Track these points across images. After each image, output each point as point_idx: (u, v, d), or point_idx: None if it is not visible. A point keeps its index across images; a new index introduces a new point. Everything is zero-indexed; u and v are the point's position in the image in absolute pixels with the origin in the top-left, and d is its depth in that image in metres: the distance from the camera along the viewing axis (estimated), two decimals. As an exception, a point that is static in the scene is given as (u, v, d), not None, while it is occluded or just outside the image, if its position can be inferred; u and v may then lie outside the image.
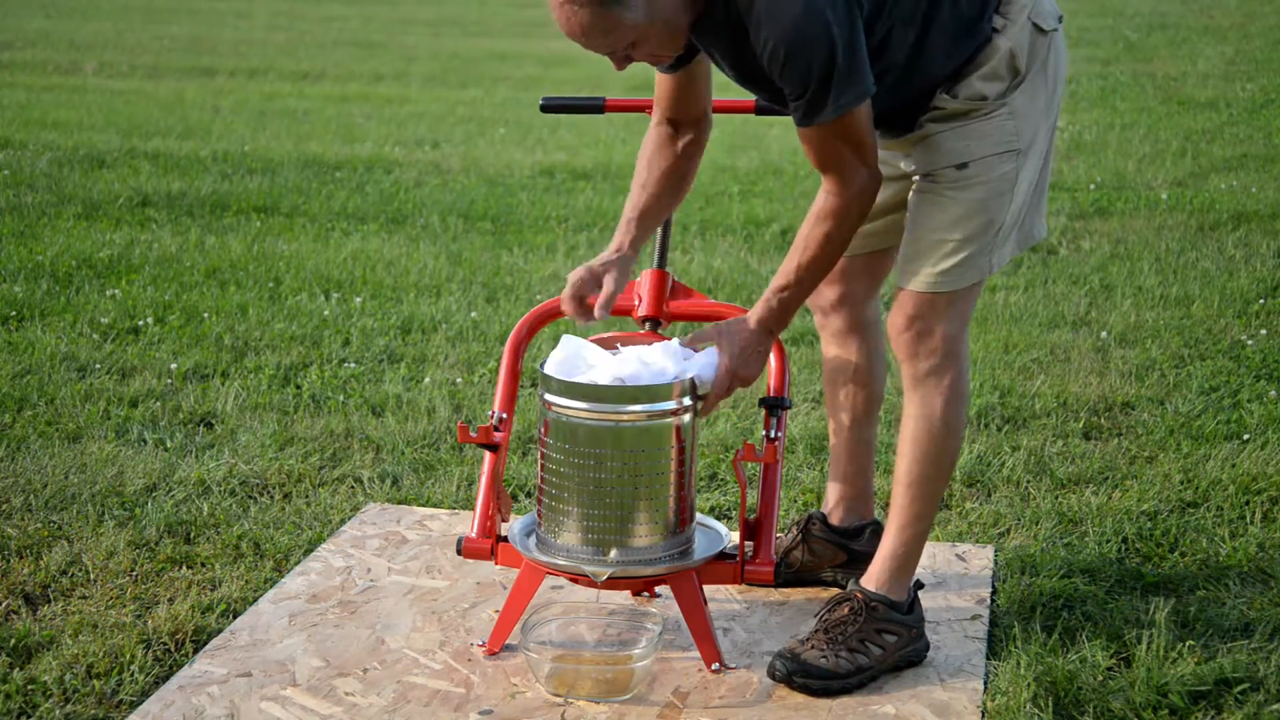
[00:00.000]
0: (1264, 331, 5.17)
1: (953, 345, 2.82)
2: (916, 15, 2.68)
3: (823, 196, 2.72)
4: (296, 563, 3.38)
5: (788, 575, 3.20)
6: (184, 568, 3.35)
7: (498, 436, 2.97)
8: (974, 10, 2.72)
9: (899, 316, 2.84)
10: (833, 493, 3.21)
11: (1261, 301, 5.60)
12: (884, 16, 2.65)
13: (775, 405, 3.01)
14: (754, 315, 2.83)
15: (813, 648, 2.82)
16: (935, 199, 2.78)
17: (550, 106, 3.24)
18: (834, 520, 3.20)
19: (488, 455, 3.02)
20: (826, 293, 3.08)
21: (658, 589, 3.13)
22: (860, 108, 2.61)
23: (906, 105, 2.78)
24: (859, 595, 2.88)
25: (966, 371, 2.86)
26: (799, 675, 2.78)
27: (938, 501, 2.91)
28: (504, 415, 3.05)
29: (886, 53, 2.68)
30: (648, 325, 3.07)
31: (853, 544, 3.19)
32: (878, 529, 3.17)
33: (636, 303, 3.10)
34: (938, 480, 2.88)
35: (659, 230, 3.13)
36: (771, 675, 2.81)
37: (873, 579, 2.90)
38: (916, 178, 2.83)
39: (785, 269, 2.78)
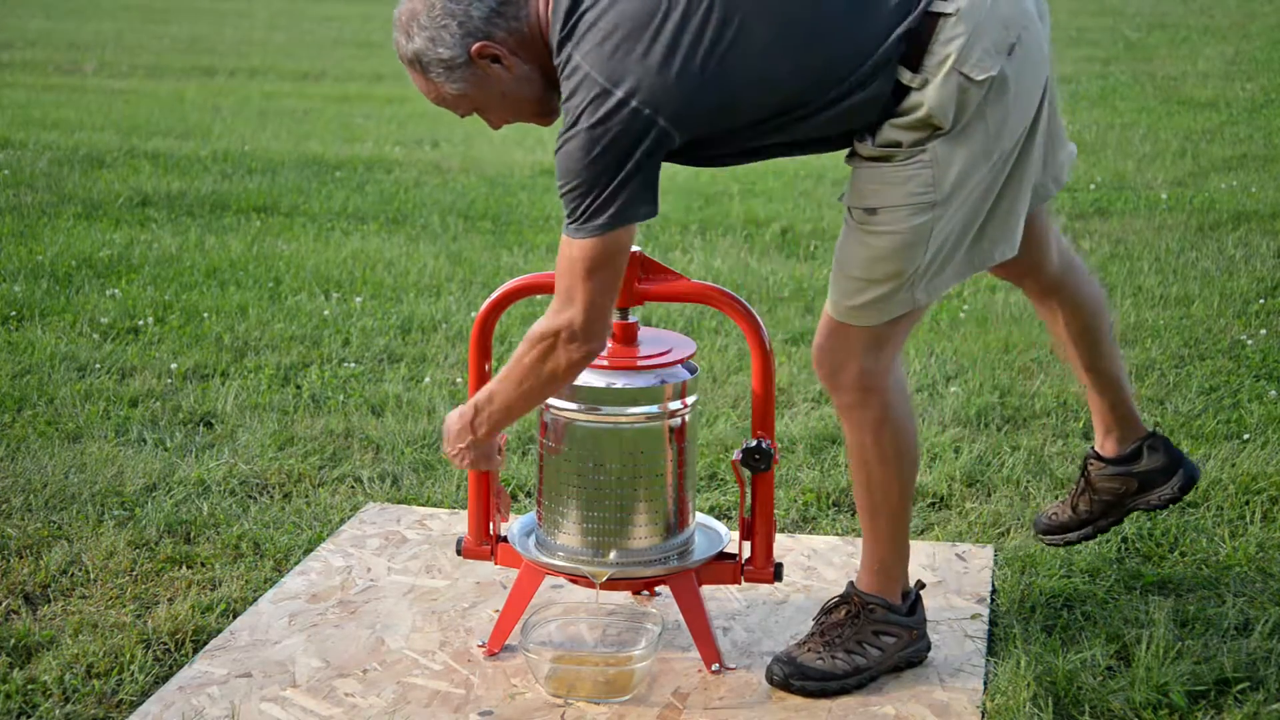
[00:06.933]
0: (1264, 331, 5.17)
1: (871, 380, 2.70)
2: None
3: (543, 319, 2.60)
4: (296, 562, 3.38)
5: (1085, 531, 3.17)
6: (184, 568, 3.35)
7: None
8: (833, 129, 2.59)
9: (816, 339, 2.75)
10: (1099, 427, 3.16)
11: (1261, 301, 5.60)
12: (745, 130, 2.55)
13: (753, 459, 2.85)
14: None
15: (809, 650, 2.81)
16: (849, 233, 2.67)
17: None
18: (1107, 453, 3.15)
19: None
20: (1010, 266, 2.91)
21: (657, 588, 3.13)
22: (594, 245, 2.47)
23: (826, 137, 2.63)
24: (856, 598, 2.88)
25: (896, 400, 2.73)
26: (796, 678, 2.78)
27: (905, 514, 2.84)
28: None
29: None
30: (616, 315, 2.84)
31: (1134, 467, 3.13)
32: (1154, 441, 3.13)
33: None
34: (894, 503, 2.80)
35: None
36: (769, 680, 2.81)
37: (864, 582, 2.89)
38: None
39: (495, 379, 2.71)
